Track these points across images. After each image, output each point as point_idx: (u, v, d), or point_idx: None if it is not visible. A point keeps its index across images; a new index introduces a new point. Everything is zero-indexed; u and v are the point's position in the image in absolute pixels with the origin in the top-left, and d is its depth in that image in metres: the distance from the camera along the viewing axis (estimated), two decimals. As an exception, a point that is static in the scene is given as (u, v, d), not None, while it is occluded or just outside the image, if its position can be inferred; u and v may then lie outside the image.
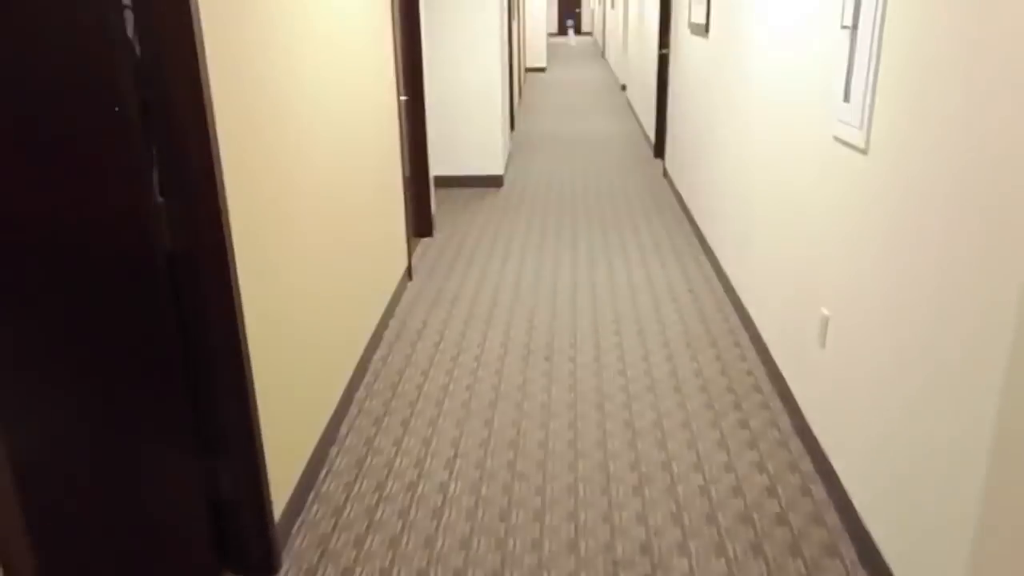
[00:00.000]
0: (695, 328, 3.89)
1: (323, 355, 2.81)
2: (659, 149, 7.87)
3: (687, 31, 5.80)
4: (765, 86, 3.49)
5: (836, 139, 2.52)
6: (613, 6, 16.56)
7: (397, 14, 4.36)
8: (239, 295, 2.01)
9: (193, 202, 1.88)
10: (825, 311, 2.66)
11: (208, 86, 1.83)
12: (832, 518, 2.50)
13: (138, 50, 1.77)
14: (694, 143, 5.47)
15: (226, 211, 1.93)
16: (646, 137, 8.94)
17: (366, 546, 2.38)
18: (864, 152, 2.28)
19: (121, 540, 2.10)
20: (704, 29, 5.00)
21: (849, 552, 2.35)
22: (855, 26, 2.31)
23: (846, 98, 2.38)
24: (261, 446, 2.18)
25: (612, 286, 4.45)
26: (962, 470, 1.75)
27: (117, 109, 1.74)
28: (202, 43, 1.80)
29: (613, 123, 10.28)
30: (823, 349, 2.70)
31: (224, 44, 1.96)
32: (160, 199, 1.88)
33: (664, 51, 7.45)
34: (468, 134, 6.51)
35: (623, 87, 13.37)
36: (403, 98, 4.39)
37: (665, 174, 7.07)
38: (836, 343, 2.57)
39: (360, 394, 3.26)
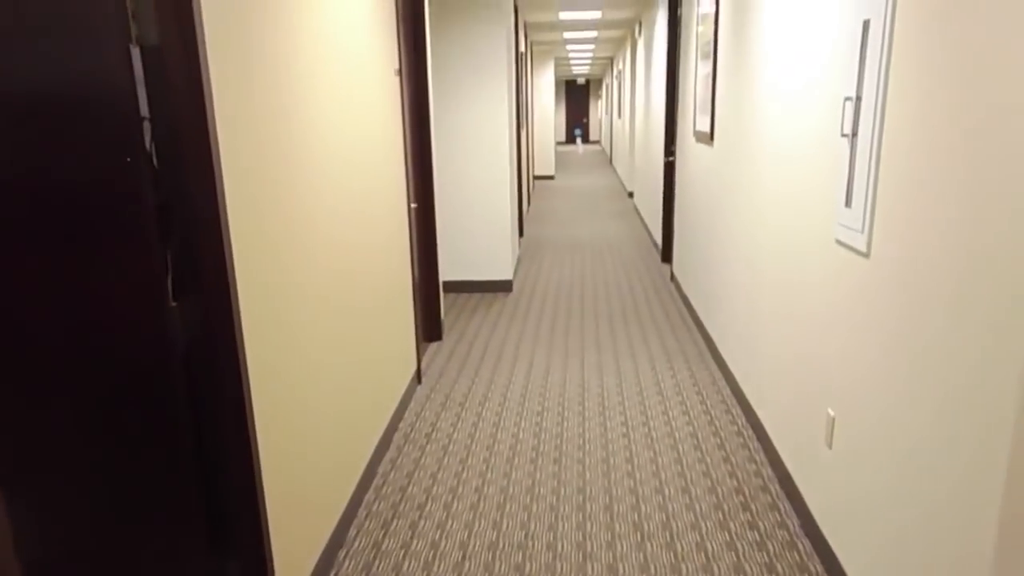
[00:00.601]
0: (703, 430, 3.94)
1: (333, 457, 2.89)
2: (666, 254, 8.07)
3: (692, 139, 6.07)
4: (769, 191, 3.67)
5: (839, 242, 2.66)
6: (620, 116, 17.22)
7: (408, 119, 4.62)
8: (250, 396, 2.12)
9: (206, 306, 2.01)
10: (831, 411, 2.74)
11: (223, 195, 2.00)
12: (844, 620, 2.50)
13: (155, 160, 1.94)
14: (700, 247, 5.65)
15: (238, 314, 2.06)
16: (653, 242, 9.17)
17: (373, 650, 2.40)
18: (866, 255, 2.41)
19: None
20: (709, 137, 5.25)
21: (862, 655, 2.34)
22: (854, 133, 2.49)
23: (847, 203, 2.53)
24: (269, 547, 2.24)
25: (621, 389, 4.53)
26: None
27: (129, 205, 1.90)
28: (218, 155, 1.98)
29: (621, 228, 10.55)
30: (830, 450, 2.75)
31: (238, 155, 2.14)
32: (174, 303, 2.01)
33: (670, 158, 7.74)
34: (477, 240, 6.73)
35: (630, 194, 13.76)
36: (413, 205, 4.60)
37: (672, 278, 7.23)
38: (843, 444, 2.63)
39: (369, 496, 3.31)
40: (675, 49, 7.43)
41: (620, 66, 17.17)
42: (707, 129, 5.28)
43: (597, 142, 31.45)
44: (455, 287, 6.85)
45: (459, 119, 6.45)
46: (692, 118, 6.03)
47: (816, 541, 2.87)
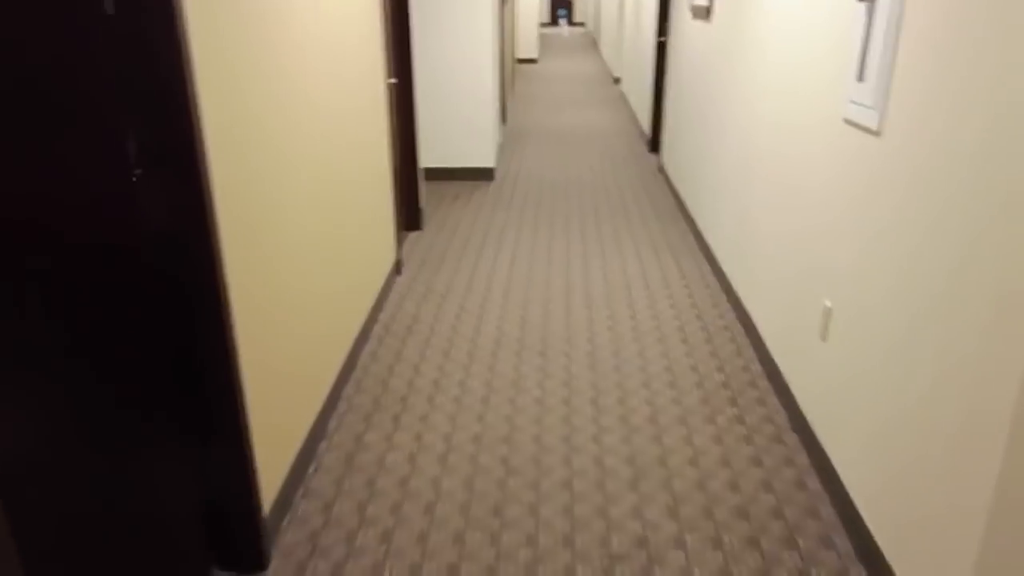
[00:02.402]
0: (691, 324, 3.96)
1: (311, 349, 2.86)
2: (655, 144, 7.95)
3: (688, 15, 5.87)
4: (772, 68, 3.56)
5: (847, 121, 2.58)
6: (607, -5, 16.65)
7: None
8: (226, 285, 2.05)
9: (177, 182, 1.92)
10: (828, 302, 2.73)
11: (190, 55, 1.88)
12: (828, 511, 2.57)
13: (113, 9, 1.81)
14: (693, 134, 5.54)
15: (210, 189, 1.97)
16: (641, 131, 9.02)
17: (357, 541, 2.43)
18: (877, 134, 2.35)
19: (110, 535, 2.15)
20: (707, 12, 5.07)
21: (844, 544, 2.42)
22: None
23: (860, 77, 2.44)
24: (250, 438, 2.23)
25: (607, 281, 4.51)
26: (970, 462, 1.81)
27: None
28: (185, 34, 1.85)
29: (607, 117, 10.36)
30: (824, 342, 2.76)
31: (208, 33, 2.01)
32: (137, 175, 1.91)
33: (662, 39, 7.52)
34: (458, 124, 6.56)
35: (617, 80, 13.46)
36: (392, 81, 4.43)
37: (661, 170, 7.14)
38: (838, 336, 2.64)
39: (349, 390, 3.31)
40: (671, -80, 7.08)
41: (609, -60, 16.48)
42: (705, 3, 5.09)
43: (583, 24, 30.55)
44: (436, 175, 6.72)
45: (440, 11, 6.17)
46: (688, -5, 5.81)
47: (804, 435, 2.92)
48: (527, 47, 16.99)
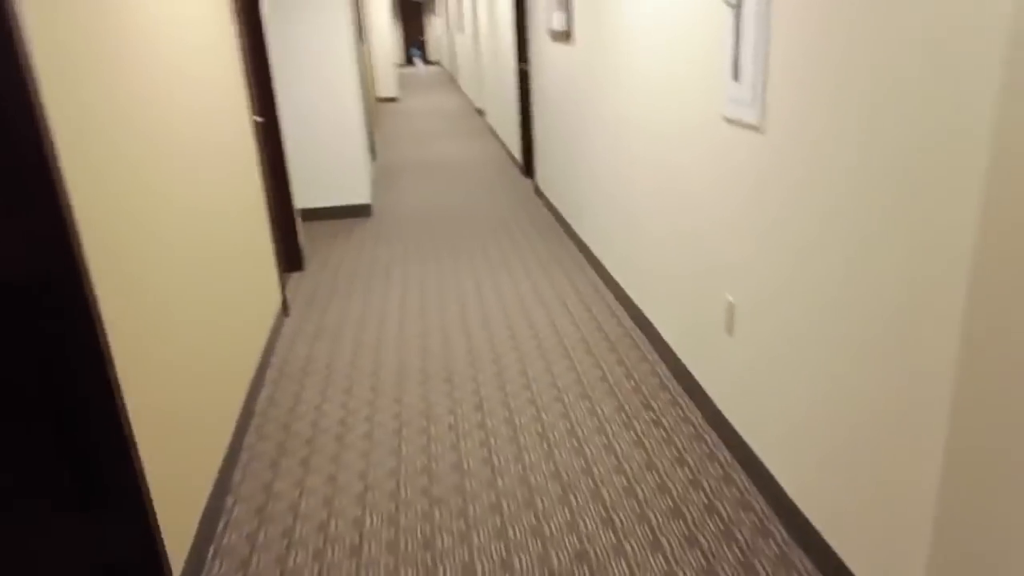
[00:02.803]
0: (593, 336, 3.94)
1: (205, 398, 2.65)
2: (528, 168, 8.01)
3: (548, 40, 5.95)
4: (645, 78, 3.61)
5: (726, 119, 2.63)
6: (462, 30, 16.85)
7: (239, 28, 4.24)
8: (105, 334, 1.86)
9: (33, 220, 1.72)
10: (730, 297, 2.76)
11: (46, 121, 1.71)
12: (760, 502, 2.57)
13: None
14: (566, 153, 5.60)
15: (76, 232, 1.79)
16: (512, 158, 9.09)
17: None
18: (758, 129, 2.39)
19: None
20: (566, 35, 5.14)
21: (782, 533, 2.41)
22: (740, 2, 2.43)
23: (735, 76, 2.49)
24: (149, 500, 2.02)
25: (502, 303, 4.46)
26: (892, 438, 1.83)
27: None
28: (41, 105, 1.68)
29: (476, 147, 10.40)
30: (731, 336, 2.79)
31: (67, 91, 1.84)
32: None
33: (523, 65, 7.61)
34: (330, 162, 6.40)
35: (481, 112, 13.58)
36: (257, 119, 4.25)
37: (537, 191, 7.19)
38: (744, 328, 2.66)
39: (250, 438, 3.10)
40: (523, -52, 7.22)
41: (458, -22, 16.71)
42: (564, 27, 5.17)
43: (437, 62, 30.82)
44: (312, 215, 6.51)
45: (300, 32, 6.01)
46: (546, 18, 5.89)
47: (723, 431, 2.92)
48: (386, 86, 16.93)
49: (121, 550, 2.01)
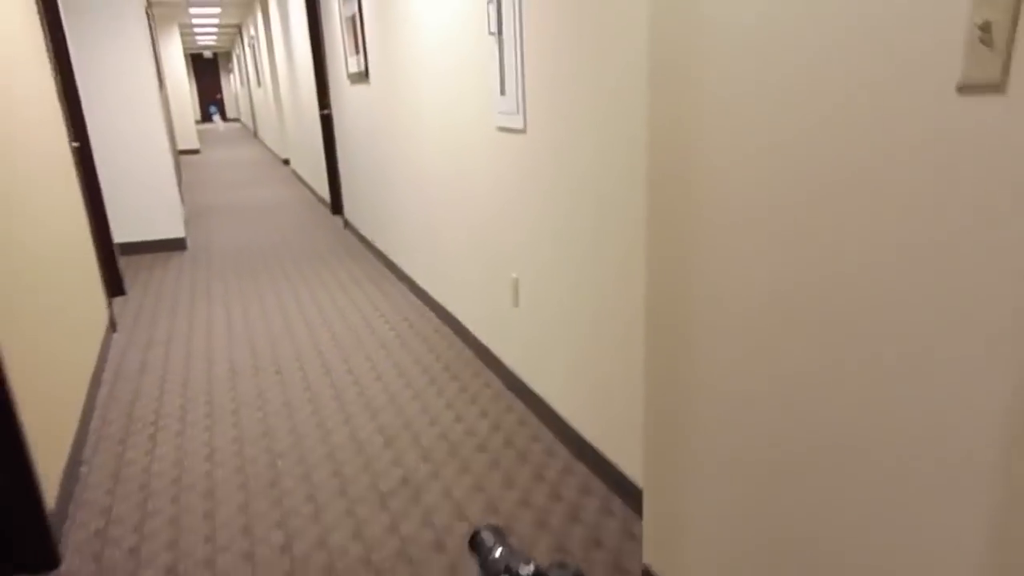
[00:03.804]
0: (406, 332, 4.48)
1: (48, 387, 2.94)
2: (336, 206, 8.48)
3: (347, 83, 6.50)
4: (431, 102, 4.25)
5: (499, 128, 3.30)
6: (260, 84, 17.07)
7: (49, 50, 4.49)
8: None
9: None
10: (514, 274, 3.40)
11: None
12: (545, 434, 3.19)
13: None
14: (370, 184, 6.15)
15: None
16: (320, 199, 9.51)
17: (146, 528, 2.58)
18: (523, 132, 3.07)
19: None
20: (364, 75, 5.72)
21: (563, 452, 3.05)
22: (500, 31, 3.11)
23: (502, 91, 3.17)
24: (26, 447, 2.33)
25: (321, 312, 4.90)
26: (625, 362, 2.51)
27: None
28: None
29: (283, 192, 10.71)
30: (517, 308, 3.42)
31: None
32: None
33: (325, 111, 8.10)
34: (143, 197, 6.58)
35: (286, 161, 13.86)
36: (75, 144, 4.49)
37: (347, 225, 7.67)
38: (526, 300, 3.31)
39: (95, 424, 3.36)
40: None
41: (252, 31, 16.98)
42: (361, 69, 5.73)
43: (236, 119, 30.52)
44: (127, 249, 6.63)
45: (104, 65, 6.21)
46: (344, 63, 6.44)
47: (517, 389, 3.54)
48: (187, 138, 16.79)
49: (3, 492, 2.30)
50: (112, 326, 4.59)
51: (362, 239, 6.92)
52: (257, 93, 18.79)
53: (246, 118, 24.78)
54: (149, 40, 6.38)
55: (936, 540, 1.24)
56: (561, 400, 3.11)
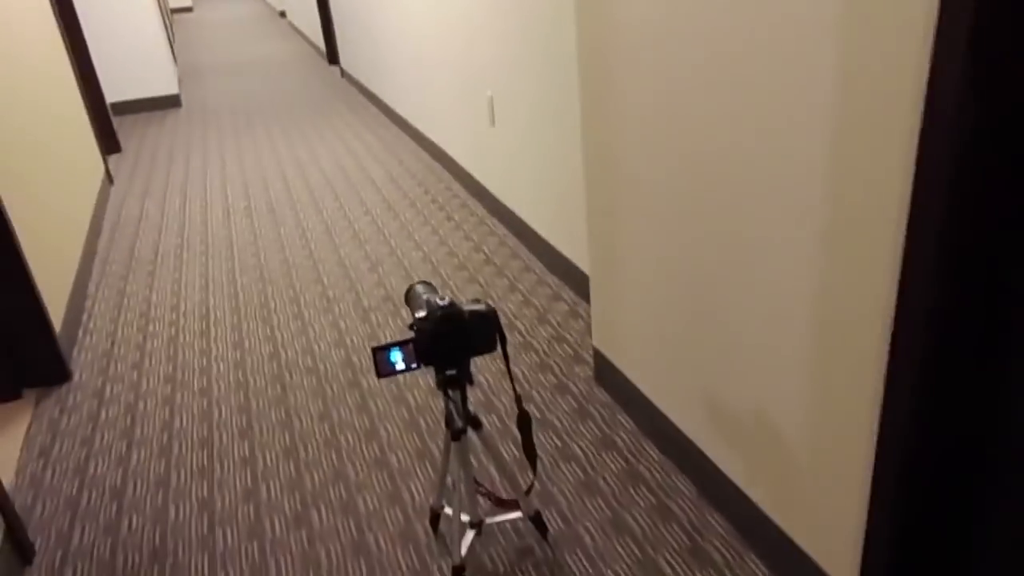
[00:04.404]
0: (396, 171, 4.60)
1: (53, 229, 3.12)
2: (332, 56, 8.41)
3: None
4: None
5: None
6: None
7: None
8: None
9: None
10: (489, 92, 3.48)
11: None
12: (524, 252, 3.36)
13: None
14: (365, 30, 6.11)
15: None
16: (318, 51, 9.42)
17: (148, 346, 2.82)
18: (485, -49, 3.06)
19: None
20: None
21: (538, 265, 3.22)
22: None
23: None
24: (32, 278, 2.53)
25: (314, 158, 5.01)
26: (571, 169, 2.61)
27: None
28: None
29: (280, 46, 10.59)
30: (493, 127, 3.51)
31: None
32: None
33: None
34: (131, 55, 6.59)
35: (283, 13, 13.59)
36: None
37: (343, 75, 7.65)
38: (501, 117, 3.39)
39: (97, 266, 3.58)
40: None
41: None
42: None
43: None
44: (122, 109, 6.71)
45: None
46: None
47: (501, 216, 3.69)
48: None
49: (15, 311, 2.52)
50: (109, 179, 4.75)
51: (358, 87, 6.93)
52: (249, -54, 18.14)
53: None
54: None
55: (782, 262, 1.39)
56: (532, 214, 3.26)
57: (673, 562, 1.73)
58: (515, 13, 2.99)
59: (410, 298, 1.59)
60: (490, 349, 1.57)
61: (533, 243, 3.31)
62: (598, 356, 2.37)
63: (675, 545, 1.78)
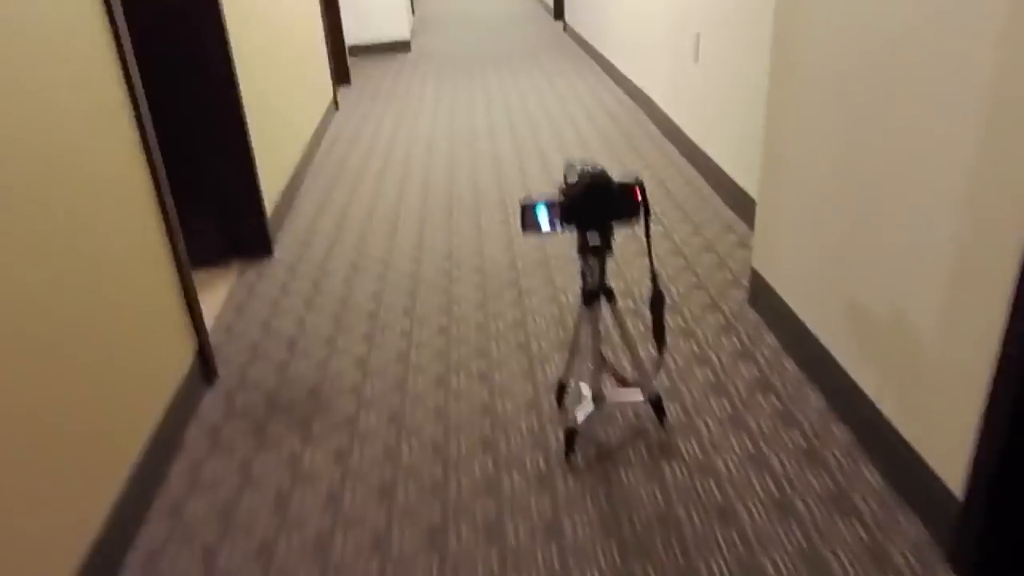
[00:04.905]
0: (597, 113, 4.69)
1: (282, 132, 3.51)
2: (559, 10, 8.60)
3: None
4: None
5: None
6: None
7: None
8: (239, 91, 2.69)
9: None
10: (697, 31, 3.48)
11: None
12: (705, 187, 3.35)
13: None
14: (584, -22, 6.22)
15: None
16: (545, 7, 9.65)
17: (340, 238, 3.12)
18: None
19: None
20: None
21: (717, 200, 3.20)
22: None
23: None
24: (255, 163, 2.87)
25: (522, 96, 5.21)
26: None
27: None
28: None
29: (511, 2, 10.93)
30: (696, 63, 3.51)
31: None
32: None
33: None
34: (373, 3, 7.13)
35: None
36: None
37: (566, 29, 7.82)
38: (705, 57, 3.39)
39: (311, 170, 3.97)
40: None
41: None
42: None
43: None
44: (358, 51, 7.28)
45: None
46: None
47: (692, 157, 3.68)
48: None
49: (234, 190, 2.88)
50: (335, 106, 5.19)
51: (577, 39, 7.07)
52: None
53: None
54: None
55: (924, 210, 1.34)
56: (726, 159, 3.24)
57: (785, 461, 1.73)
58: (717, -61, 2.97)
59: (567, 169, 1.67)
60: (632, 215, 1.63)
61: (715, 177, 3.29)
62: (755, 277, 2.36)
63: (790, 446, 1.77)
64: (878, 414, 1.66)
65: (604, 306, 1.78)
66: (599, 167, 1.60)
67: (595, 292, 1.71)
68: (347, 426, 1.98)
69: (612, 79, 5.40)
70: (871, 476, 1.66)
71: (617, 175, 1.60)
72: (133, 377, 1.77)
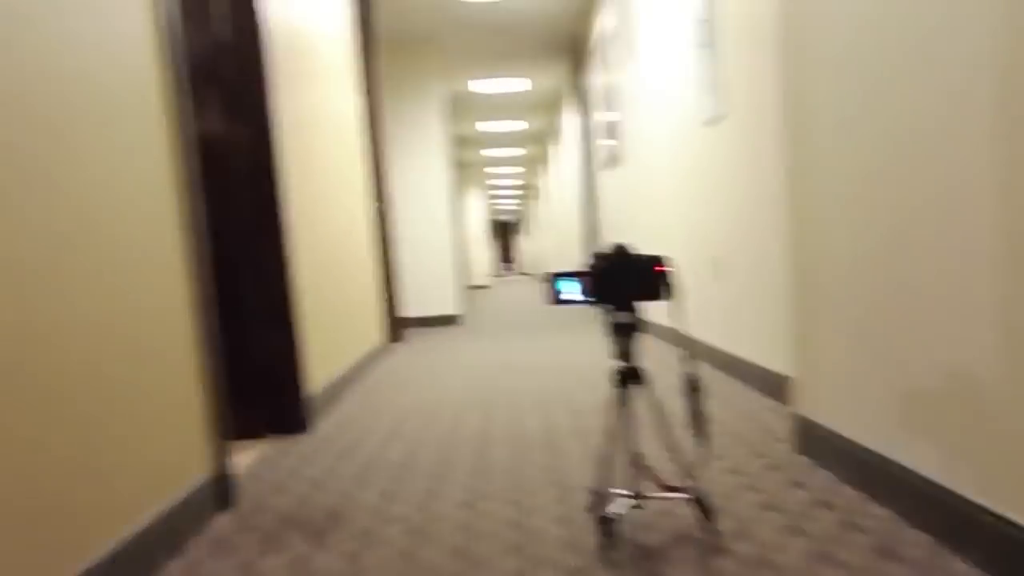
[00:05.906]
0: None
1: (341, 334, 3.67)
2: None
3: (603, 168, 7.19)
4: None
5: (701, 123, 3.69)
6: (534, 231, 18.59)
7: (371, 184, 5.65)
8: (295, 287, 2.96)
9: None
10: (714, 254, 3.69)
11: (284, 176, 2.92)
12: (736, 382, 3.33)
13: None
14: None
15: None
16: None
17: (372, 438, 3.12)
18: (715, 123, 3.44)
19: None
20: (613, 160, 6.36)
21: (742, 387, 3.17)
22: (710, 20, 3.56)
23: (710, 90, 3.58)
24: (303, 365, 3.00)
25: (561, 350, 5.35)
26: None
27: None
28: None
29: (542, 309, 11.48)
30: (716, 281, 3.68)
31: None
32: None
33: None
34: (427, 284, 7.68)
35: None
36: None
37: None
38: (724, 273, 3.57)
39: (356, 385, 4.04)
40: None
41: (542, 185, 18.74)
42: (610, 151, 6.38)
43: (527, 273, 33.19)
44: (410, 323, 7.68)
45: (410, 178, 7.53)
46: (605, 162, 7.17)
47: (724, 364, 3.71)
48: (480, 277, 18.65)
49: (278, 358, 2.97)
50: (386, 352, 5.39)
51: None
52: (540, 247, 20.44)
53: (530, 268, 26.94)
54: (445, 179, 7.75)
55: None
56: (744, 348, 3.27)
57: (854, 558, 1.57)
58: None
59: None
60: (655, 295, 1.66)
61: (741, 371, 3.31)
62: (799, 423, 2.29)
63: (855, 545, 1.62)
64: (951, 495, 1.54)
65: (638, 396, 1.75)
66: (623, 243, 1.67)
67: (626, 373, 1.71)
68: None
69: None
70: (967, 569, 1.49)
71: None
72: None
